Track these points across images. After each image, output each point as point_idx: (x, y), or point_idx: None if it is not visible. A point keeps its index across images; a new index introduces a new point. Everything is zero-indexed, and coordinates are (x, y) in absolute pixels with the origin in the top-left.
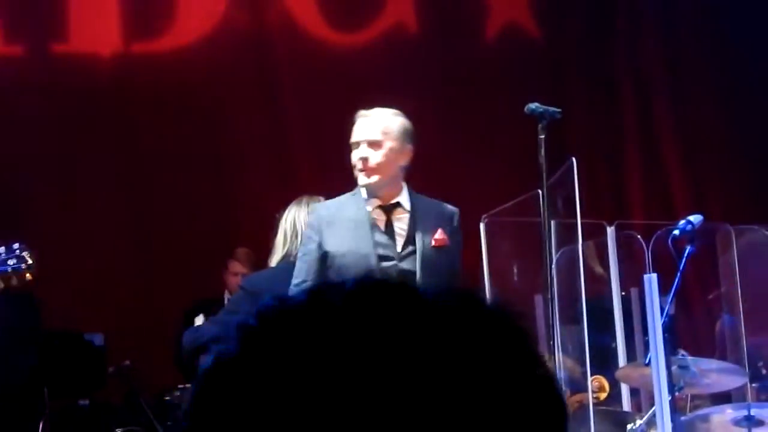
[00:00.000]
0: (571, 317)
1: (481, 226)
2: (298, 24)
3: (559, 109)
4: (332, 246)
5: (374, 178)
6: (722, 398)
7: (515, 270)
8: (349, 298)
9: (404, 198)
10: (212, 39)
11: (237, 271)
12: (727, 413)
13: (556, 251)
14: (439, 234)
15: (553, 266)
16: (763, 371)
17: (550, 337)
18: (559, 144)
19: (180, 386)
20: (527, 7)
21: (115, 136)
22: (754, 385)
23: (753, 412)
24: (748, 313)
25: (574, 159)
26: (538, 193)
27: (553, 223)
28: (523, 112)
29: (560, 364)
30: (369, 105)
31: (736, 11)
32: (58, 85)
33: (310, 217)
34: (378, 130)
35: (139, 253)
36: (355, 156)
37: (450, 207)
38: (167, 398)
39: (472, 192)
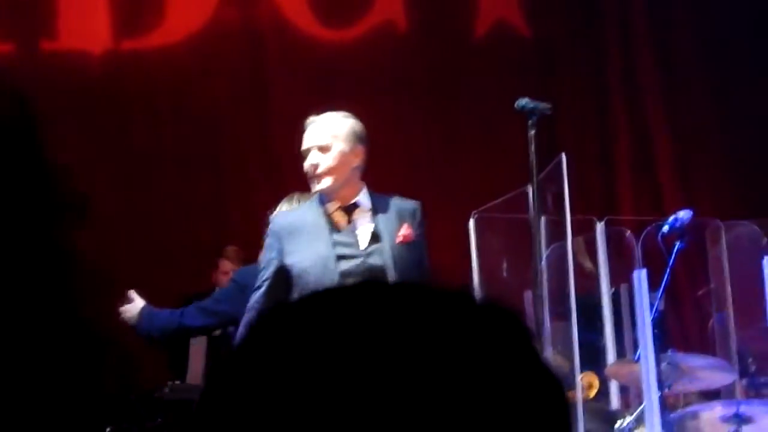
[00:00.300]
0: (560, 313)
1: (471, 222)
2: (288, 20)
3: (549, 105)
4: (292, 253)
5: (327, 182)
6: (712, 395)
7: (505, 266)
8: (348, 297)
9: (363, 197)
10: (202, 36)
11: (227, 270)
12: (717, 410)
13: (546, 247)
14: (405, 229)
15: (543, 262)
16: (753, 368)
17: (539, 333)
18: (549, 140)
19: (170, 383)
20: (517, 4)
21: (105, 133)
22: (743, 381)
23: (742, 409)
24: (737, 309)
25: (563, 155)
26: (528, 189)
27: (542, 219)
28: (513, 108)
29: (549, 360)
30: (359, 101)
31: (727, 9)
32: (47, 82)
33: (270, 226)
34: (326, 134)
35: (130, 251)
36: (306, 163)
37: (411, 201)
38: (156, 395)
39: (462, 188)
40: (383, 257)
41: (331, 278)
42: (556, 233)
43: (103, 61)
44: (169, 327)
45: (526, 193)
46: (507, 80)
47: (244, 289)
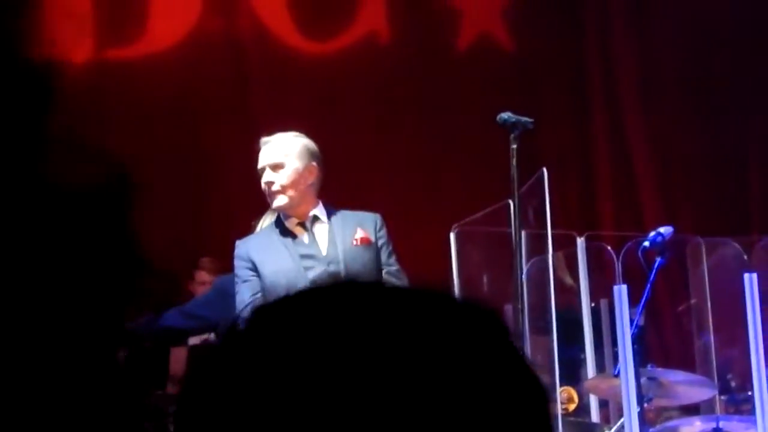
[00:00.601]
0: (540, 328)
1: (452, 235)
2: (271, 32)
3: (531, 119)
4: (265, 269)
5: (283, 199)
6: (691, 410)
7: (485, 280)
8: (325, 298)
9: (319, 212)
10: (186, 46)
11: (203, 280)
12: (696, 425)
13: (527, 262)
14: (360, 233)
15: (524, 276)
16: (733, 384)
17: (520, 347)
18: (531, 154)
19: (157, 392)
20: (500, 18)
21: (87, 142)
22: (723, 397)
23: (721, 424)
24: (717, 326)
25: (545, 169)
26: (509, 203)
27: (523, 233)
28: (495, 122)
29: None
30: (341, 113)
31: (710, 26)
32: None
33: (236, 252)
34: (279, 153)
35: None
36: (262, 181)
37: (370, 213)
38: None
39: (444, 201)
40: (339, 264)
41: (300, 287)
42: (537, 247)
43: (85, 70)
44: (150, 327)
45: (508, 207)
46: (489, 94)
47: (225, 296)
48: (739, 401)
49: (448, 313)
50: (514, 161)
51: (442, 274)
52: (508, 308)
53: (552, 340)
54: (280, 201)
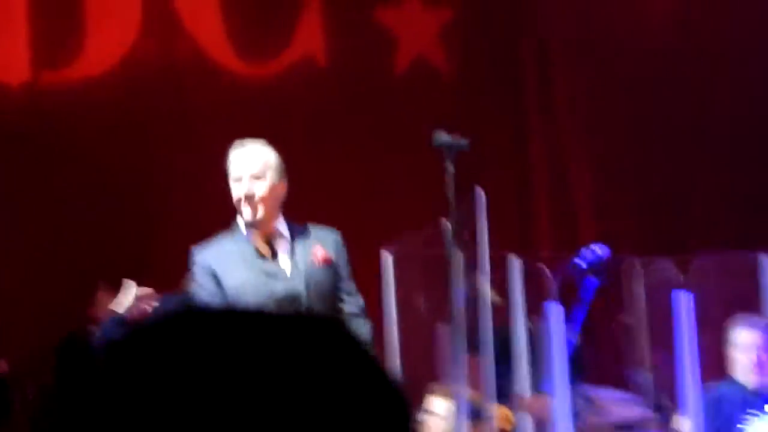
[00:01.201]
0: (475, 347)
1: (387, 255)
2: (207, 55)
3: (466, 141)
4: (227, 283)
5: (261, 212)
6: (625, 429)
7: (421, 300)
8: (176, 331)
9: (281, 226)
10: (122, 68)
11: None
12: None
13: (462, 282)
14: (321, 251)
15: (458, 297)
16: (665, 402)
17: (456, 367)
18: (467, 175)
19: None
20: (437, 41)
21: (24, 166)
22: (656, 416)
23: None
24: (651, 345)
25: (480, 190)
26: (445, 223)
27: (458, 253)
28: (431, 144)
29: (464, 394)
30: (278, 135)
31: (645, 44)
32: None
33: (196, 259)
34: (260, 164)
35: (52, 284)
36: (240, 190)
37: (331, 229)
38: None
39: (380, 223)
40: (300, 283)
41: (262, 303)
42: (472, 268)
43: (21, 93)
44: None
45: (443, 228)
46: (426, 115)
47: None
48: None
49: (294, 336)
50: (449, 182)
51: (375, 293)
52: (443, 328)
53: (487, 360)
54: (259, 213)
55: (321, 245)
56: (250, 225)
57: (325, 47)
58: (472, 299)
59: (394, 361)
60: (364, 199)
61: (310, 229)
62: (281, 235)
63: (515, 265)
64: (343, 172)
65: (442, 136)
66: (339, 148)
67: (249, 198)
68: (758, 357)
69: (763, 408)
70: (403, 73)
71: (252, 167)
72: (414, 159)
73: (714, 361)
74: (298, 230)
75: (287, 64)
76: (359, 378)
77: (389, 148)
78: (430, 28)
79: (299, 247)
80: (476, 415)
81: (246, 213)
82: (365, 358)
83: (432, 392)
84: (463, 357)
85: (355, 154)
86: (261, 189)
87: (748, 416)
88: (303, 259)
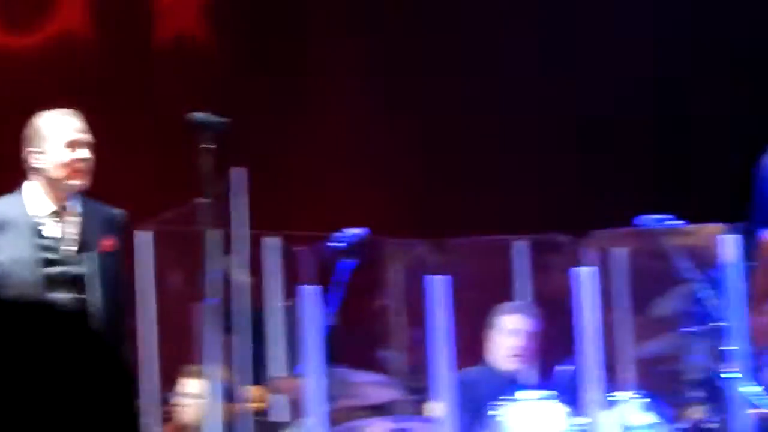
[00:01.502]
0: (229, 327)
1: (142, 234)
2: None
3: (224, 120)
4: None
5: (87, 181)
6: (378, 411)
7: (177, 279)
8: None
9: (74, 201)
10: None
11: None
12: (380, 425)
13: (217, 262)
14: (109, 239)
15: (213, 277)
16: (415, 384)
17: (209, 348)
18: (226, 153)
19: None
20: (200, 15)
21: None
22: (413, 398)
23: (405, 424)
24: (410, 327)
25: (240, 169)
26: (201, 202)
27: (215, 232)
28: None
29: (217, 374)
30: (38, 108)
31: (405, 26)
32: None
33: None
34: (88, 131)
35: None
36: (79, 155)
37: (117, 210)
38: None
39: (138, 199)
40: (89, 267)
41: (36, 282)
42: (228, 247)
43: None
44: None
45: (200, 206)
46: (187, 92)
47: None
48: (421, 401)
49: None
50: (205, 160)
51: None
52: (198, 307)
53: (242, 340)
54: (86, 182)
55: (110, 228)
56: (39, 194)
57: (88, 20)
58: (228, 279)
59: (151, 342)
60: (122, 174)
61: (101, 210)
62: (73, 211)
63: (271, 246)
64: (104, 146)
65: (198, 114)
66: (100, 123)
67: (86, 163)
68: (523, 343)
69: (515, 394)
70: (165, 48)
71: (87, 134)
72: (175, 136)
73: (467, 345)
74: (90, 209)
75: (48, 36)
76: (83, 360)
77: (150, 125)
78: (192, 3)
79: (90, 227)
80: (229, 394)
81: (76, 179)
82: (92, 343)
83: (186, 373)
84: (218, 337)
85: (115, 129)
86: (92, 158)
87: (500, 402)
88: (89, 240)
